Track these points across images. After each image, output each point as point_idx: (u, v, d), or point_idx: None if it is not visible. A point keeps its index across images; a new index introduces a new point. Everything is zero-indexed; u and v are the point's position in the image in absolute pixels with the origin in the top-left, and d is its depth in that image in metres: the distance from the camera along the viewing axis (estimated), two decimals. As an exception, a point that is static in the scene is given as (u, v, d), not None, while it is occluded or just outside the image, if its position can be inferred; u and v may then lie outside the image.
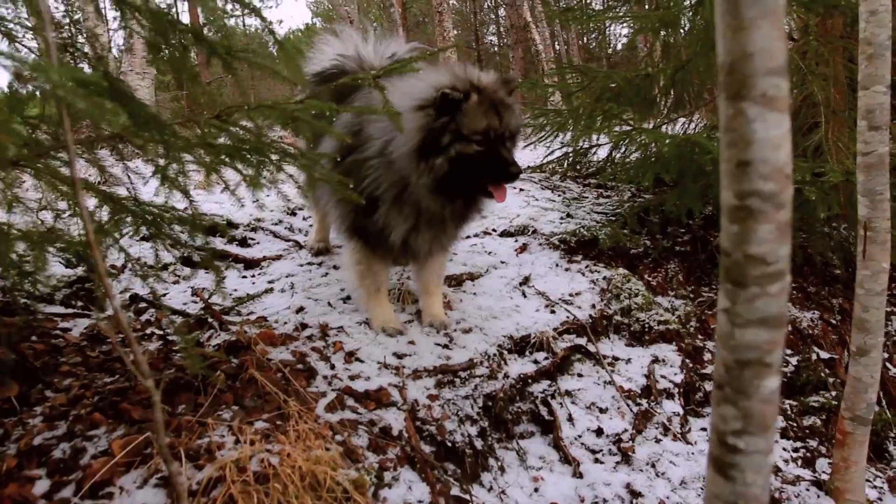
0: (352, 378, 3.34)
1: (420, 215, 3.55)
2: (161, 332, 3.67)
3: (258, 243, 4.90)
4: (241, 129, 2.80)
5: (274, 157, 2.96)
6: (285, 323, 3.74)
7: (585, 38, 33.08)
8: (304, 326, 3.74)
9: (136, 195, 3.15)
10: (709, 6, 4.53)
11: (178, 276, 4.32)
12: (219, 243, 4.73)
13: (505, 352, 3.92)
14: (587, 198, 6.18)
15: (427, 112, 3.31)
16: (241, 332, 3.53)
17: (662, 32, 5.26)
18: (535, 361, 3.96)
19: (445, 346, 3.78)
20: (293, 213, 5.35)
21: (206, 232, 4.70)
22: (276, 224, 5.18)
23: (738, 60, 0.94)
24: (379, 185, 3.49)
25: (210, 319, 3.75)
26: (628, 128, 4.93)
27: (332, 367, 3.44)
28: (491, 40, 38.50)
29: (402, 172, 3.38)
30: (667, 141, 4.46)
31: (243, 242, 4.86)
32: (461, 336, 3.88)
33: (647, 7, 5.76)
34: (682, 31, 5.70)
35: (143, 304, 3.93)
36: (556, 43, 22.24)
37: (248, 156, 2.93)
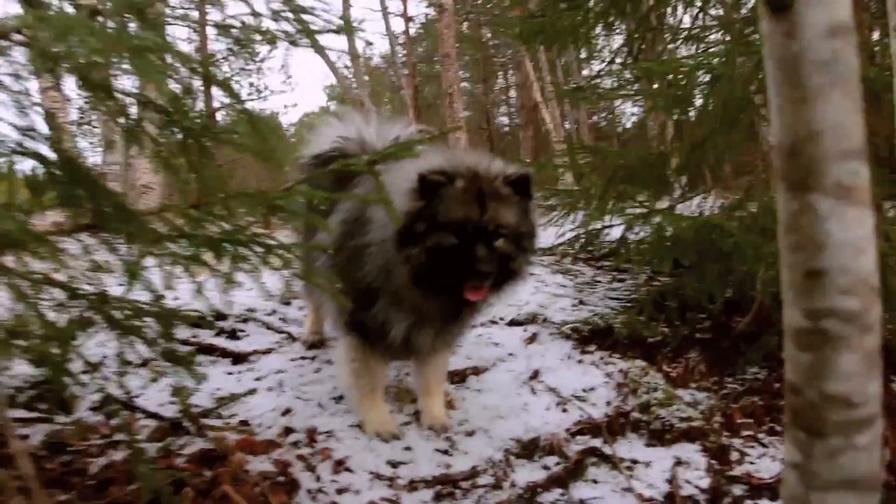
0: (339, 492, 2.99)
1: (422, 310, 3.26)
2: (130, 439, 3.33)
3: (248, 335, 4.59)
4: (223, 221, 2.54)
5: (257, 249, 2.70)
6: (269, 427, 3.40)
7: (595, 118, 33.43)
8: (289, 431, 3.41)
9: (103, 291, 2.87)
10: (726, 84, 4.32)
11: (159, 373, 3.99)
12: (206, 336, 4.43)
13: (512, 457, 3.54)
14: (600, 282, 5.87)
15: (411, 197, 3.07)
16: (218, 438, 3.19)
17: (675, 111, 5.05)
18: (545, 467, 3.57)
19: (446, 452, 3.41)
20: (288, 303, 5.06)
21: (193, 325, 4.43)
22: (270, 314, 4.89)
23: (803, 141, 0.64)
24: (378, 274, 3.21)
25: (187, 423, 3.41)
26: (642, 210, 4.66)
27: (318, 478, 3.09)
28: (502, 121, 39.06)
29: (388, 259, 3.13)
30: (683, 224, 4.18)
31: (232, 335, 4.56)
32: (464, 440, 3.52)
33: (656, 86, 5.57)
34: (694, 109, 5.50)
35: (115, 406, 3.60)
36: (567, 122, 22.38)
37: (228, 248, 2.68)
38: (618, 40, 6.84)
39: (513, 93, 37.56)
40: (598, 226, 6.51)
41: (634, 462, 3.83)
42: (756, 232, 4.33)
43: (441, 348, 3.57)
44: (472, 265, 2.98)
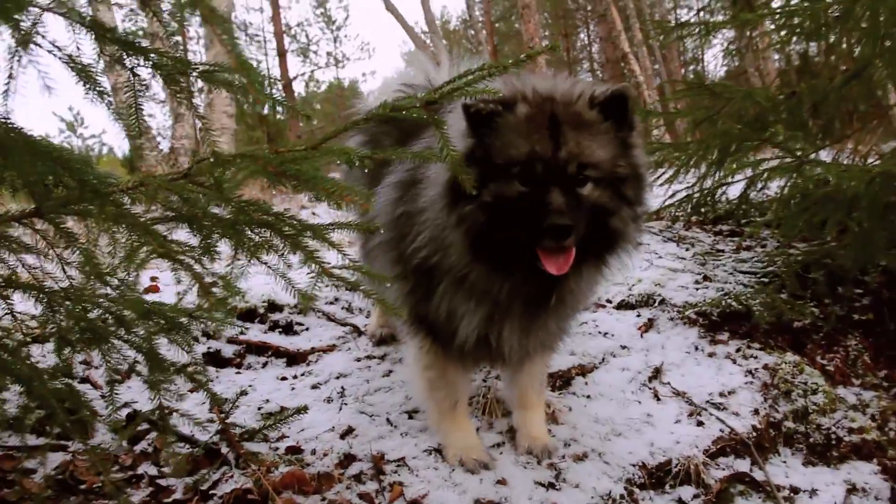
0: (413, 550, 2.26)
1: (494, 296, 2.40)
2: (156, 472, 2.68)
3: (307, 329, 3.89)
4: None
5: (287, 230, 1.97)
6: (325, 454, 2.70)
7: (684, 71, 31.61)
8: (351, 459, 2.71)
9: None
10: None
11: (203, 378, 3.34)
12: (257, 332, 3.75)
13: (636, 489, 2.74)
14: (723, 251, 4.90)
15: (464, 136, 2.25)
16: (259, 475, 2.49)
17: (830, 33, 4.02)
18: (681, 501, 2.77)
19: (551, 485, 2.64)
20: (353, 288, 4.33)
21: (242, 318, 3.77)
22: (331, 303, 4.16)
23: None
24: (433, 248, 2.40)
25: (225, 450, 2.74)
26: (785, 160, 3.67)
27: (386, 528, 2.36)
28: (585, 77, 37.52)
29: (439, 226, 2.33)
30: (851, 177, 3.20)
31: (288, 329, 3.86)
32: (572, 467, 2.73)
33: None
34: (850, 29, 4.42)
35: (144, 426, 2.97)
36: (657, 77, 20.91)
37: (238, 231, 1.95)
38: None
39: (595, 48, 35.90)
40: (715, 183, 5.51)
41: (795, 490, 2.97)
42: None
43: (537, 350, 2.74)
44: (540, 220, 2.09)
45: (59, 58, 1.77)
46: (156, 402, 2.28)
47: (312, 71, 32.69)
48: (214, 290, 2.09)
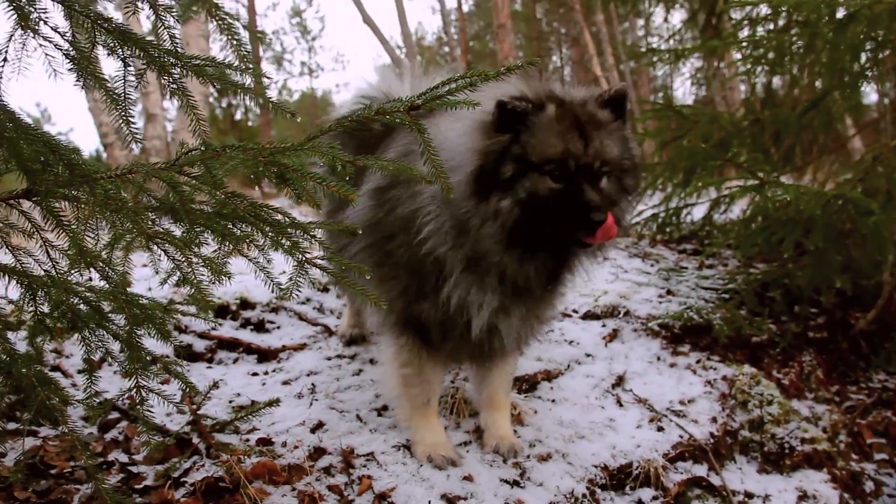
0: (381, 539, 2.31)
1: (516, 281, 2.49)
2: (127, 459, 2.70)
3: (278, 327, 3.93)
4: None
5: (267, 227, 2.02)
6: (296, 447, 2.74)
7: (652, 97, 32.16)
8: (321, 452, 2.75)
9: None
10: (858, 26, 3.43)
11: (177, 369, 3.36)
12: (228, 329, 3.78)
13: (597, 489, 2.83)
14: (686, 268, 5.05)
15: (485, 131, 2.33)
16: (230, 464, 2.53)
17: (793, 65, 4.19)
18: (640, 502, 2.87)
19: (515, 483, 2.71)
20: (325, 290, 4.37)
21: (214, 314, 3.80)
22: (304, 303, 4.20)
23: None
24: (443, 240, 2.45)
25: (196, 440, 2.77)
26: (747, 181, 3.82)
27: (354, 519, 2.41)
28: (556, 100, 37.91)
29: (460, 214, 2.36)
30: (808, 198, 3.34)
31: (260, 326, 3.89)
32: (537, 466, 2.81)
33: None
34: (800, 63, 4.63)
35: (115, 415, 2.98)
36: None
37: (223, 225, 2.01)
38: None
39: (567, 71, 36.36)
40: (677, 204, 5.68)
41: (749, 496, 3.09)
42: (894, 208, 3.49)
43: (523, 343, 2.87)
44: (583, 215, 2.24)
45: (59, 46, 1.81)
46: (132, 386, 2.29)
47: (286, 80, 32.63)
48: (198, 278, 2.14)
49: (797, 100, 5.20)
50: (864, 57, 3.91)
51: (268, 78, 1.69)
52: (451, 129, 2.38)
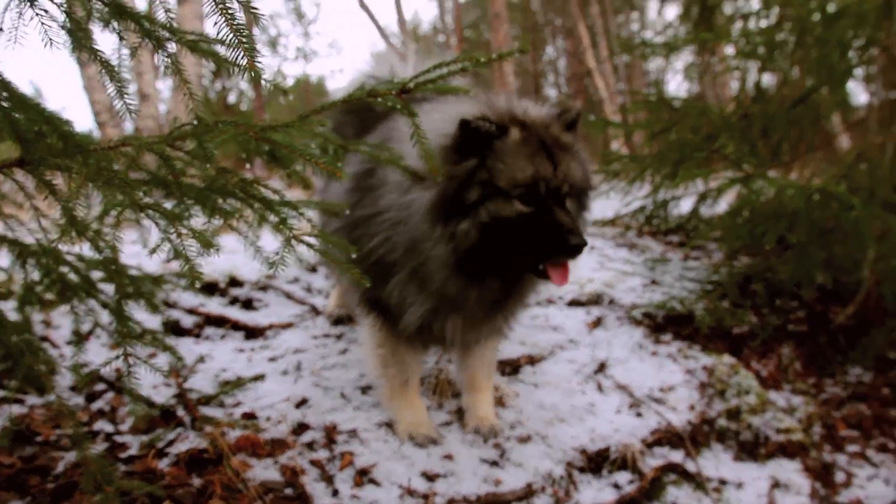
0: (361, 512, 2.36)
1: (451, 299, 2.52)
2: (112, 429, 2.74)
3: (266, 306, 3.96)
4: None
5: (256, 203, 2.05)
6: (279, 422, 2.79)
7: (645, 90, 32.19)
8: (304, 428, 2.79)
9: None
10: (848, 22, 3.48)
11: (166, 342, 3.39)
12: (216, 305, 3.81)
13: (575, 471, 2.88)
14: (671, 259, 5.11)
15: (447, 155, 2.31)
16: (214, 435, 2.57)
17: (783, 60, 4.24)
18: (616, 485, 2.91)
19: (495, 463, 2.76)
20: (314, 270, 4.41)
21: (202, 291, 3.82)
22: (292, 282, 4.24)
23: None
24: (393, 247, 2.47)
25: (181, 412, 2.81)
26: (733, 174, 3.87)
27: (336, 492, 2.47)
28: (550, 92, 37.92)
29: (416, 235, 2.37)
30: (791, 192, 3.40)
31: (247, 304, 3.93)
32: (517, 448, 2.86)
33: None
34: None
35: (101, 386, 3.01)
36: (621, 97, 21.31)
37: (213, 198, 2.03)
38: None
39: (562, 62, 36.36)
40: (664, 196, 5.73)
41: (723, 482, 3.15)
42: (877, 205, 3.55)
43: (487, 338, 2.89)
44: (557, 238, 2.24)
45: (55, 18, 1.82)
46: (119, 354, 2.32)
47: (280, 64, 32.54)
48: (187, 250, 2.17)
49: (786, 96, 5.25)
50: (851, 54, 3.96)
51: (262, 54, 1.69)
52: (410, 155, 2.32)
